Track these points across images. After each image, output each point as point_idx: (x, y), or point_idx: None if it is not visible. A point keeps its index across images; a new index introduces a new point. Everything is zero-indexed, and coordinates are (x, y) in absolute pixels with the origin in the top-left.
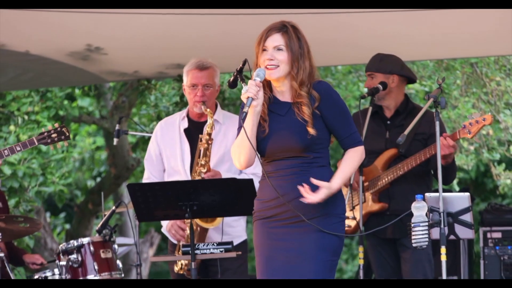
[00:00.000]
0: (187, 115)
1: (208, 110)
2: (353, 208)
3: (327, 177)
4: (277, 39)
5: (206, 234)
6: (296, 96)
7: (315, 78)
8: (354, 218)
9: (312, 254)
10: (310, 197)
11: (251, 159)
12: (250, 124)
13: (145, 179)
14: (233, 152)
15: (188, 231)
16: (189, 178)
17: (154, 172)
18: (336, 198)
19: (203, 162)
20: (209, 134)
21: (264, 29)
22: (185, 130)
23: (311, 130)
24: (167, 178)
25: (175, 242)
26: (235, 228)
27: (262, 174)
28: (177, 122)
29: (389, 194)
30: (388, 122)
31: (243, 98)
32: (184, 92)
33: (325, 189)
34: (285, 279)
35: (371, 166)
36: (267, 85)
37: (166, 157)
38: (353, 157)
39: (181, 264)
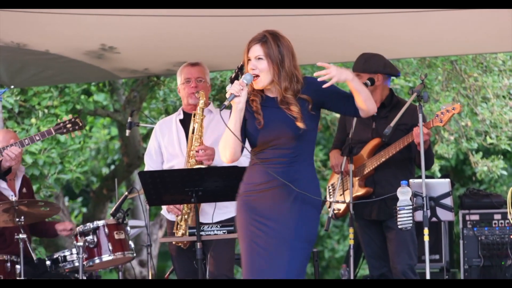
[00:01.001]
0: (182, 110)
1: (201, 91)
2: (343, 193)
3: (311, 172)
4: (257, 50)
5: (200, 205)
6: (282, 97)
7: (300, 82)
8: (343, 202)
9: (290, 240)
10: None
11: (236, 154)
12: (233, 120)
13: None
14: (220, 146)
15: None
16: (185, 157)
17: (153, 165)
18: (316, 201)
19: (197, 136)
20: (202, 109)
21: (248, 40)
22: (181, 121)
23: (300, 124)
24: (166, 164)
25: (173, 219)
26: (226, 204)
27: (252, 160)
28: (174, 118)
29: (374, 179)
30: (375, 114)
31: (227, 95)
32: (178, 93)
33: (333, 67)
34: (262, 263)
35: (358, 155)
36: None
37: (164, 146)
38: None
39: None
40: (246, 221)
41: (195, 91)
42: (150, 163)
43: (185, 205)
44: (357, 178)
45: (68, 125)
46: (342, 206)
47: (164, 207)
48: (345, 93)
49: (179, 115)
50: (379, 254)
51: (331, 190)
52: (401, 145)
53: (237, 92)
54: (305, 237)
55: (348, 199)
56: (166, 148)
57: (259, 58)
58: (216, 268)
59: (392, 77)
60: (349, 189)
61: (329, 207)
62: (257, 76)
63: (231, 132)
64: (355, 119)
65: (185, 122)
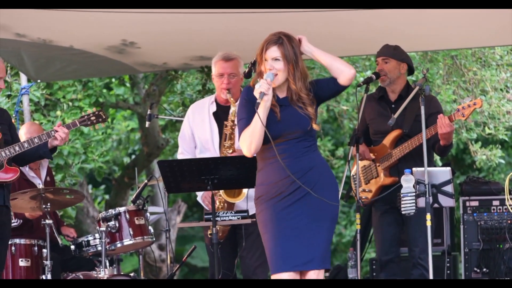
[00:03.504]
0: (215, 100)
1: (231, 99)
2: (368, 182)
3: (321, 157)
4: (274, 51)
5: (234, 206)
6: (298, 97)
7: (308, 77)
8: (370, 191)
9: (318, 220)
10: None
11: (259, 146)
12: (262, 116)
13: (179, 153)
14: (244, 140)
15: (217, 203)
16: (218, 155)
17: (187, 148)
18: (333, 182)
19: (228, 145)
20: (233, 121)
21: (263, 41)
22: (214, 113)
23: (315, 126)
24: (198, 154)
25: (209, 209)
26: None
27: (264, 160)
28: (207, 105)
29: (398, 169)
30: (393, 105)
31: (256, 93)
32: (212, 81)
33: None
34: (297, 245)
35: (380, 145)
36: None
37: (197, 136)
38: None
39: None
40: (272, 215)
41: (226, 87)
42: (184, 146)
43: (218, 200)
44: (381, 168)
45: (92, 118)
46: (369, 195)
47: (199, 196)
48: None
49: (212, 104)
50: (390, 241)
51: (355, 178)
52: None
53: (267, 91)
54: (331, 217)
55: (374, 188)
56: (200, 138)
57: (276, 59)
58: (245, 270)
59: None
60: (373, 178)
61: (355, 195)
62: (276, 75)
63: (259, 126)
64: (361, 110)
65: (218, 115)
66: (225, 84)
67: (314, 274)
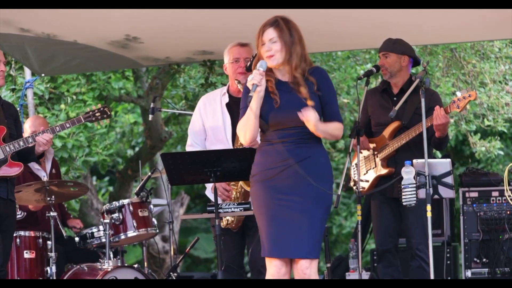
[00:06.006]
0: (228, 91)
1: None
2: (366, 173)
3: (321, 148)
4: (271, 33)
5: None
6: (292, 78)
7: (308, 62)
8: (367, 181)
9: (311, 210)
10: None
11: (255, 136)
12: (255, 106)
13: (188, 145)
14: (239, 130)
15: (233, 193)
16: (231, 146)
17: (197, 140)
18: (328, 174)
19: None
20: None
21: (261, 25)
22: (226, 105)
23: (310, 102)
24: (209, 146)
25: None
26: None
27: (264, 142)
28: (218, 97)
29: (395, 160)
30: (395, 98)
31: (249, 84)
32: (225, 71)
33: (312, 114)
34: (288, 233)
35: (380, 136)
36: (270, 69)
37: (209, 127)
38: (338, 128)
39: (227, 221)
40: (266, 198)
41: (242, 71)
42: (194, 137)
43: (234, 191)
44: (379, 158)
45: (97, 114)
46: (366, 185)
47: (208, 188)
48: (331, 111)
49: (224, 95)
50: (389, 231)
51: (355, 169)
52: (421, 128)
53: (259, 82)
54: (325, 206)
55: (371, 178)
56: (212, 129)
57: (274, 41)
58: (253, 262)
59: None
60: (371, 168)
61: (354, 185)
62: (272, 55)
63: (252, 117)
64: (362, 104)
65: (231, 106)
66: (241, 68)
67: (306, 263)
